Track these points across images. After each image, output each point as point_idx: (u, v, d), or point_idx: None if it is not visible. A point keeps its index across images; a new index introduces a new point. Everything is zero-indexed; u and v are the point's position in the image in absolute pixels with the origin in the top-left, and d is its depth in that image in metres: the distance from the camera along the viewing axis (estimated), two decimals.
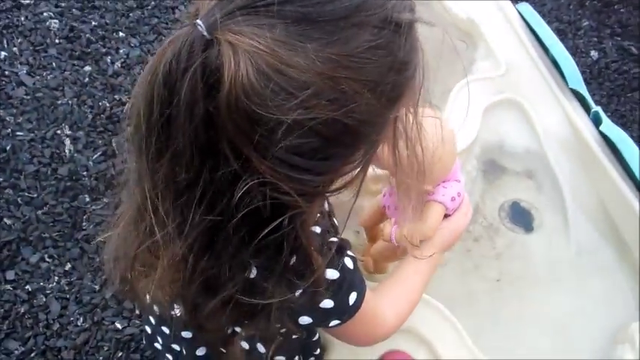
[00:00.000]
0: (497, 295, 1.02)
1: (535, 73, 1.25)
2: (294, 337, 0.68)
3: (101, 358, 1.39)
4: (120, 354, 1.40)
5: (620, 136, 1.08)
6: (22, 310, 1.46)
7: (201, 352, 0.72)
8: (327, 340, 0.84)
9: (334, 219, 0.69)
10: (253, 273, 0.51)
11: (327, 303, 0.57)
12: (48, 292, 1.50)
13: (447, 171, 0.77)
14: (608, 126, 1.11)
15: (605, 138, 1.12)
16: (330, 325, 0.61)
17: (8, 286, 1.49)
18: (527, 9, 1.36)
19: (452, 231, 0.80)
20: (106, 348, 1.41)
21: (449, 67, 1.33)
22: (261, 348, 0.66)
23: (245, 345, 0.65)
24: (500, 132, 1.21)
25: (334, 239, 0.58)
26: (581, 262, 1.05)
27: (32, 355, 1.39)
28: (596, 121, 1.15)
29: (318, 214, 0.59)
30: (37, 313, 1.46)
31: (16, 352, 1.39)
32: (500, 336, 0.96)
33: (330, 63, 0.40)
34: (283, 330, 0.58)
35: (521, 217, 1.12)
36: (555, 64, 1.24)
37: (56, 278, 1.51)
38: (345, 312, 0.60)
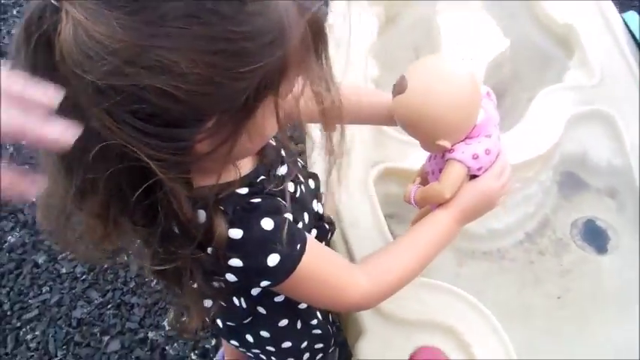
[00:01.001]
0: (557, 313, 0.97)
1: (631, 86, 1.16)
2: (253, 291, 0.71)
3: (166, 319, 1.48)
4: (184, 319, 1.47)
5: None
6: (106, 265, 1.59)
7: None
8: (361, 326, 0.84)
9: (291, 183, 0.69)
10: (176, 229, 0.54)
11: (235, 262, 0.57)
12: (130, 252, 1.61)
13: (466, 123, 0.68)
14: None
15: None
16: (263, 285, 0.61)
17: None
18: (634, 18, 1.26)
19: (476, 193, 0.71)
20: (172, 311, 1.49)
21: (538, 74, 1.29)
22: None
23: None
24: (585, 144, 1.14)
25: (255, 200, 0.58)
26: None
27: (109, 306, 1.51)
28: None
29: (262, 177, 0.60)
30: (118, 270, 1.58)
31: (95, 301, 1.52)
32: (552, 355, 0.90)
33: (132, 31, 0.41)
34: (221, 287, 0.60)
35: (595, 237, 1.06)
36: None
37: (138, 241, 1.62)
38: (266, 272, 0.59)
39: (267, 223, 0.58)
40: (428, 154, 0.78)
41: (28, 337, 1.46)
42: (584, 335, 0.93)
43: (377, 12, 1.30)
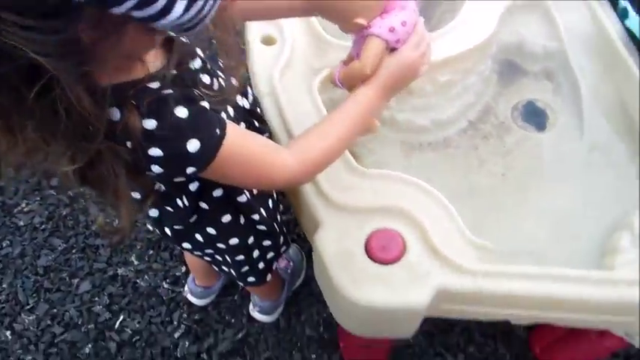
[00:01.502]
0: (501, 189, 1.02)
1: None
2: (188, 184, 0.73)
3: (134, 255, 1.50)
4: (151, 252, 1.50)
5: None
6: (65, 213, 1.58)
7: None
8: (316, 219, 0.87)
9: (206, 75, 0.70)
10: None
11: (156, 152, 0.59)
12: (87, 196, 1.61)
13: None
14: (634, 20, 1.05)
15: (631, 34, 1.06)
16: (188, 172, 0.62)
17: (52, 192, 1.62)
18: None
19: (396, 65, 0.72)
20: (138, 246, 1.51)
21: None
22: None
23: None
24: (521, 32, 1.17)
25: (167, 91, 0.59)
26: (592, 158, 1.03)
27: (73, 251, 1.51)
28: (623, 17, 1.09)
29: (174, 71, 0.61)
30: (77, 215, 1.58)
31: (59, 248, 1.52)
32: (498, 226, 0.96)
33: None
34: (146, 182, 0.63)
35: (534, 116, 1.10)
36: None
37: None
38: (190, 159, 0.61)
39: (182, 111, 0.59)
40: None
41: None
42: (526, 207, 0.98)
43: None
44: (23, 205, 1.60)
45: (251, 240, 0.93)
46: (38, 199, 1.61)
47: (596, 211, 0.96)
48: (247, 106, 0.83)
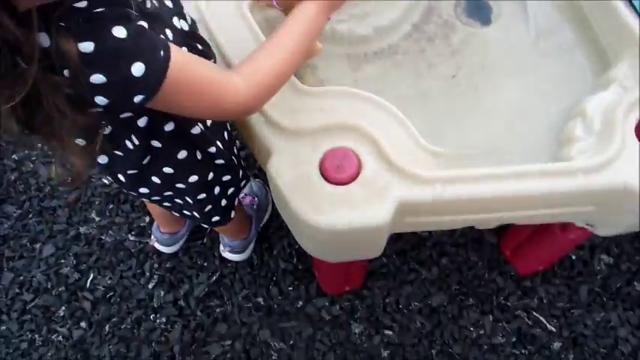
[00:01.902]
0: (453, 91, 0.99)
1: None
2: (136, 120, 0.69)
3: (94, 211, 1.45)
4: (111, 206, 1.46)
5: None
6: (13, 178, 1.51)
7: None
8: (268, 148, 0.84)
9: None
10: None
11: (98, 78, 0.54)
12: (33, 158, 1.54)
13: None
14: None
15: None
16: (136, 100, 0.58)
17: None
18: None
19: None
20: (97, 202, 1.46)
21: None
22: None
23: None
24: None
25: (98, 10, 0.54)
26: (540, 46, 1.01)
27: (30, 215, 1.46)
28: None
29: None
30: (27, 179, 1.51)
31: (14, 214, 1.46)
32: (454, 128, 0.94)
33: None
34: (93, 117, 0.58)
35: (478, 10, 1.06)
36: None
37: (39, 145, 1.54)
38: (135, 84, 0.57)
39: (119, 31, 0.54)
40: None
41: None
42: (480, 106, 0.97)
43: None
44: None
45: (211, 176, 0.90)
46: None
47: (549, 100, 0.95)
48: (186, 27, 0.77)
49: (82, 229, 1.43)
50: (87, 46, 0.53)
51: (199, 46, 0.78)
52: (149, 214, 1.43)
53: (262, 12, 1.01)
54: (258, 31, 0.92)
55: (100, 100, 0.56)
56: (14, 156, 1.54)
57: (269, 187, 1.41)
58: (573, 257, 1.36)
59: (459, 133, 0.94)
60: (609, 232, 0.93)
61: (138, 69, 0.55)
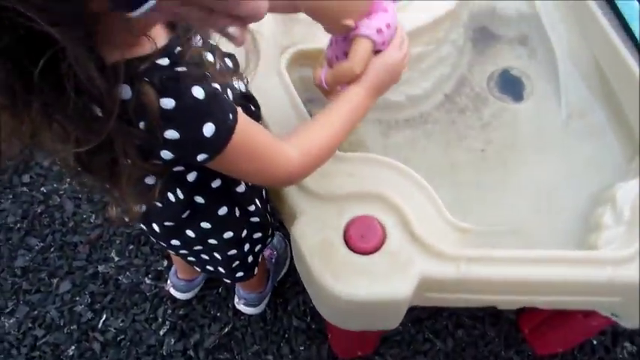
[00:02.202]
0: (481, 165, 0.99)
1: None
2: (186, 174, 0.70)
3: (114, 251, 1.46)
4: (131, 247, 1.46)
5: None
6: (39, 210, 1.53)
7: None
8: (294, 210, 0.84)
9: (210, 54, 0.67)
10: (98, 111, 0.51)
11: (172, 134, 0.56)
12: (61, 192, 1.56)
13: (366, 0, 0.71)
14: None
15: None
16: (199, 159, 0.60)
17: (25, 189, 1.56)
18: None
19: (383, 66, 0.75)
20: (118, 242, 1.47)
21: None
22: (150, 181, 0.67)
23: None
24: None
25: (181, 69, 0.56)
26: (571, 126, 1.01)
27: (51, 249, 1.47)
28: None
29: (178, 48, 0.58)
30: (53, 212, 1.53)
31: (36, 247, 1.48)
32: (480, 204, 0.94)
33: None
34: (155, 168, 0.59)
35: (511, 86, 1.07)
36: None
37: (68, 179, 1.57)
38: (203, 144, 0.58)
39: (198, 92, 0.56)
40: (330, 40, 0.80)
41: None
42: (508, 182, 0.96)
43: None
44: None
45: (244, 233, 0.90)
46: (10, 197, 1.56)
47: (578, 183, 0.94)
48: (243, 89, 0.79)
49: (100, 268, 1.44)
50: (168, 103, 0.54)
51: (252, 108, 0.80)
52: (167, 258, 1.43)
53: (298, 71, 1.03)
54: (293, 89, 0.93)
55: (166, 154, 0.58)
56: (43, 188, 1.57)
57: (289, 241, 1.41)
58: (595, 342, 1.31)
59: (485, 208, 0.93)
60: (635, 325, 0.90)
61: (209, 130, 0.57)
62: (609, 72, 0.99)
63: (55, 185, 1.57)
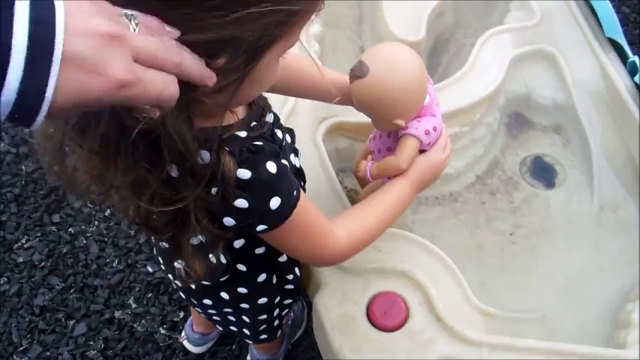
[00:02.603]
0: (509, 249, 0.99)
1: (571, 23, 1.18)
2: (234, 240, 0.72)
3: (132, 297, 1.47)
4: (149, 295, 1.47)
5: None
6: (65, 250, 1.55)
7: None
8: (319, 280, 0.84)
9: (279, 130, 0.71)
10: (174, 171, 0.53)
11: (241, 203, 0.57)
12: (88, 234, 1.58)
13: (418, 104, 0.76)
14: None
15: None
16: (259, 229, 0.61)
17: (53, 228, 1.59)
18: None
19: (427, 164, 0.79)
20: (137, 289, 1.48)
21: (480, 20, 1.30)
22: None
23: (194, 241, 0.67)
24: (529, 84, 1.15)
25: (258, 143, 0.58)
26: (603, 218, 1.00)
27: (71, 290, 1.48)
28: (633, 72, 1.07)
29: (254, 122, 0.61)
30: (77, 254, 1.55)
31: (57, 287, 1.49)
32: (506, 289, 0.93)
33: None
34: (215, 232, 0.60)
35: (543, 173, 1.08)
36: (594, 12, 1.16)
37: (96, 222, 1.60)
38: (267, 215, 0.60)
39: (272, 167, 0.59)
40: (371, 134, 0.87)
41: None
42: (534, 268, 0.96)
43: None
44: (23, 240, 1.58)
45: (277, 300, 0.90)
46: (39, 235, 1.59)
47: (608, 276, 0.93)
48: (298, 165, 0.82)
49: (116, 314, 1.44)
50: (244, 174, 0.56)
51: (302, 183, 0.82)
52: (184, 309, 1.43)
53: (334, 141, 1.06)
54: (327, 159, 0.95)
55: (228, 221, 0.60)
56: (71, 229, 1.59)
57: (306, 304, 1.40)
58: None
59: (511, 293, 0.92)
60: None
61: (275, 203, 0.59)
62: None
63: (83, 227, 1.60)
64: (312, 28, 1.20)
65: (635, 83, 1.05)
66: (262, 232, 0.62)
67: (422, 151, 0.79)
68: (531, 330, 0.86)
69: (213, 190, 0.56)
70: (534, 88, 1.15)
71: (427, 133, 0.77)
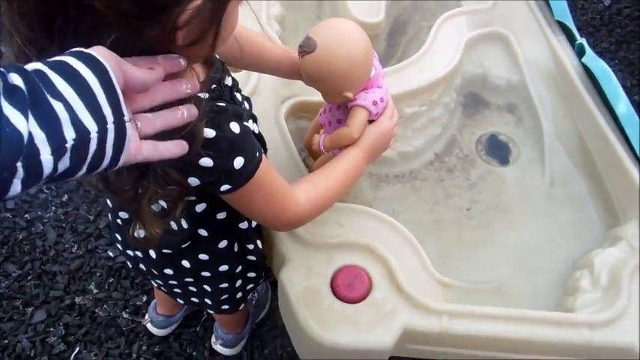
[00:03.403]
0: (466, 223, 1.03)
1: (523, 7, 1.22)
2: (196, 204, 0.73)
3: (93, 283, 1.45)
4: (111, 280, 1.45)
5: (601, 68, 1.05)
6: (21, 237, 1.52)
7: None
8: (283, 255, 0.86)
9: (238, 94, 0.73)
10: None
11: (206, 161, 0.59)
12: (45, 220, 1.55)
13: (365, 75, 0.79)
14: (591, 58, 1.09)
15: (587, 70, 1.10)
16: (222, 189, 0.63)
17: (8, 214, 1.55)
18: None
19: (377, 133, 0.83)
20: (98, 274, 1.46)
21: (439, 3, 1.33)
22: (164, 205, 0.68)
23: (155, 208, 0.68)
24: (484, 65, 1.19)
25: (221, 104, 0.60)
26: (553, 193, 1.05)
27: (29, 277, 1.45)
28: (580, 53, 1.12)
29: (214, 85, 0.63)
30: (34, 240, 1.52)
31: (13, 274, 1.45)
32: (463, 261, 0.97)
33: None
34: (178, 191, 0.61)
35: (498, 150, 1.12)
36: None
37: (53, 208, 1.56)
38: (230, 175, 0.62)
39: (235, 127, 0.60)
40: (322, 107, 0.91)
41: None
42: (491, 241, 1.00)
43: None
44: None
45: (239, 269, 0.91)
46: None
47: (558, 247, 0.98)
48: (257, 131, 0.83)
49: (77, 299, 1.42)
50: (209, 133, 0.58)
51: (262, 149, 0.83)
52: (147, 293, 1.42)
53: (296, 121, 1.07)
54: (290, 138, 0.97)
55: (193, 180, 0.61)
56: (27, 215, 1.56)
57: (270, 285, 1.42)
58: None
59: (468, 265, 0.96)
60: None
61: (238, 163, 0.61)
62: (591, 146, 1.05)
63: (39, 213, 1.56)
64: (273, 10, 1.20)
65: (583, 64, 1.10)
66: (225, 192, 0.64)
67: (371, 122, 0.83)
68: (487, 299, 0.89)
69: None
70: (489, 69, 1.19)
71: (375, 103, 0.80)
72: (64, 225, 1.54)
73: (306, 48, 0.76)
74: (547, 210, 1.03)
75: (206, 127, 0.57)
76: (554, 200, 1.04)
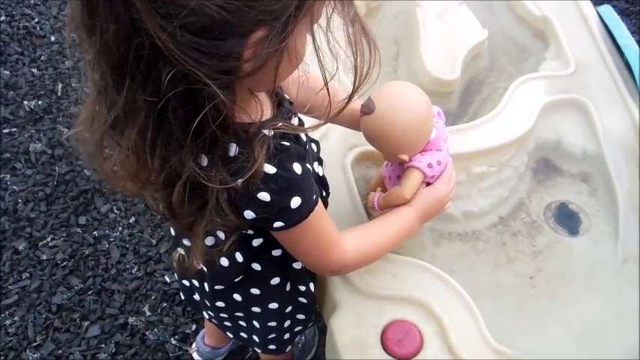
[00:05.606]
0: (527, 291, 0.99)
1: (605, 75, 1.19)
2: (253, 239, 0.74)
3: (147, 305, 1.49)
4: (164, 304, 1.49)
5: None
6: (87, 252, 1.59)
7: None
8: (335, 301, 0.85)
9: (303, 135, 0.74)
10: (204, 161, 0.57)
11: (264, 196, 0.60)
12: (111, 239, 1.62)
13: (421, 141, 0.80)
14: None
15: None
16: (275, 225, 0.64)
17: (79, 229, 1.63)
18: (608, 12, 1.30)
19: (432, 197, 0.83)
20: (153, 297, 1.50)
21: (515, 65, 1.32)
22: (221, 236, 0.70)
23: (210, 241, 0.71)
24: (560, 132, 1.16)
25: (285, 143, 0.62)
26: (626, 270, 0.99)
27: (89, 292, 1.51)
28: None
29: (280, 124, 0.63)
30: (99, 257, 1.58)
31: (75, 287, 1.52)
32: (521, 330, 0.92)
33: None
34: (235, 222, 0.62)
35: (567, 219, 1.08)
36: (627, 65, 1.18)
37: (120, 228, 1.63)
38: (285, 213, 0.63)
39: (297, 167, 0.63)
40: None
41: (7, 322, 1.46)
42: (552, 313, 0.95)
43: (358, 4, 1.31)
44: (49, 239, 1.62)
45: (289, 309, 0.92)
46: (64, 235, 1.63)
47: (626, 328, 0.92)
48: (321, 173, 0.85)
49: (130, 320, 1.46)
50: (270, 169, 0.60)
51: (324, 193, 0.84)
52: (197, 322, 1.44)
53: (362, 170, 1.07)
54: (354, 185, 0.97)
55: (248, 214, 0.63)
56: (95, 232, 1.63)
57: (319, 331, 1.40)
58: None
59: (526, 336, 0.92)
60: None
61: (295, 202, 0.63)
62: None
63: (107, 231, 1.63)
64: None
65: None
66: (278, 229, 0.65)
67: (428, 184, 0.84)
68: None
69: (239, 182, 0.58)
70: (564, 136, 1.15)
71: (430, 166, 0.81)
72: (127, 246, 1.60)
73: (365, 109, 0.78)
74: (617, 288, 0.97)
75: (269, 163, 0.59)
76: (625, 278, 0.98)
